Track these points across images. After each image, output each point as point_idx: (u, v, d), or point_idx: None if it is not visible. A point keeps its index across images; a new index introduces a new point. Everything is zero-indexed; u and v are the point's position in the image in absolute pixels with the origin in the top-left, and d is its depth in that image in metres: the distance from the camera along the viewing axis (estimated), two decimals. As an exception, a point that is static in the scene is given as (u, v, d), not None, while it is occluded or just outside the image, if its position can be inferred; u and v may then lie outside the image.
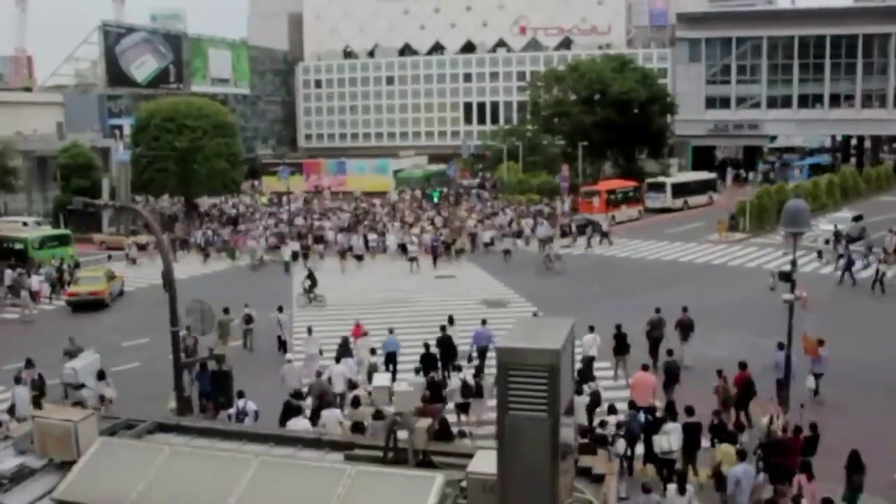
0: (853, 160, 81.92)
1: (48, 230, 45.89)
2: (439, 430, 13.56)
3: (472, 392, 17.90)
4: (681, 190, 58.91)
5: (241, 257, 43.01)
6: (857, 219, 44.11)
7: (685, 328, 22.36)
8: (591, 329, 20.94)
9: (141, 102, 66.16)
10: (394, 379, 18.88)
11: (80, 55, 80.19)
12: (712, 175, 67.09)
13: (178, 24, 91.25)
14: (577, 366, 18.38)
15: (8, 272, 35.15)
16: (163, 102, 60.79)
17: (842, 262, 33.52)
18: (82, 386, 18.74)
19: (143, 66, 76.82)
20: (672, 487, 13.28)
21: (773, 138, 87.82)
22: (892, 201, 56.45)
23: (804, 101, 77.70)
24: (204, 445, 8.23)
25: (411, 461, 7.63)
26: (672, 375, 18.88)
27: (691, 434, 15.05)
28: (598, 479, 7.35)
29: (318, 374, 18.70)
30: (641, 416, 15.85)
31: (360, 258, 40.71)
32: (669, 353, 19.83)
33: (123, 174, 57.94)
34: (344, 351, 20.57)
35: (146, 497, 6.83)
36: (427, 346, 20.47)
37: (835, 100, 77.33)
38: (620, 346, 21.19)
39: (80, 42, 78.67)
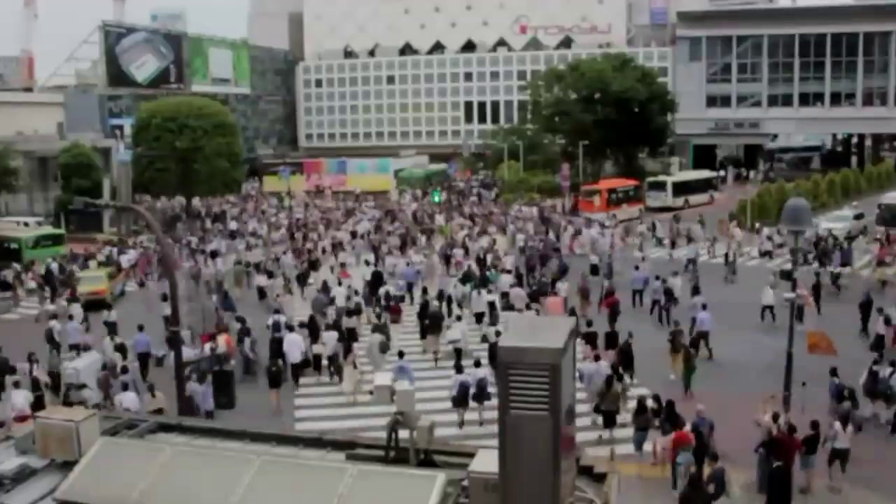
0: (854, 158, 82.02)
1: (44, 230, 46.16)
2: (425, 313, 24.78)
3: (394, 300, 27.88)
4: (681, 189, 58.82)
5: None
6: (859, 217, 44.09)
7: (543, 258, 34.46)
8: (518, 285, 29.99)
9: (141, 102, 66.07)
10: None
11: (81, 55, 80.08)
12: (713, 173, 67.05)
13: (179, 24, 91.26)
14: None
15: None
16: (163, 102, 60.71)
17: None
18: (84, 386, 18.74)
19: (143, 66, 76.66)
20: None
21: (775, 137, 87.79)
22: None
23: (805, 100, 77.65)
24: (205, 445, 8.25)
25: (413, 460, 7.63)
26: (542, 290, 27.67)
27: (590, 340, 21.43)
28: (600, 478, 7.35)
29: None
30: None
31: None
32: (543, 275, 31.50)
33: (124, 174, 57.97)
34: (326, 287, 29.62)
35: (148, 497, 6.84)
36: (371, 275, 31.22)
37: (836, 98, 77.27)
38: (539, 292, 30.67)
39: (80, 42, 78.67)
